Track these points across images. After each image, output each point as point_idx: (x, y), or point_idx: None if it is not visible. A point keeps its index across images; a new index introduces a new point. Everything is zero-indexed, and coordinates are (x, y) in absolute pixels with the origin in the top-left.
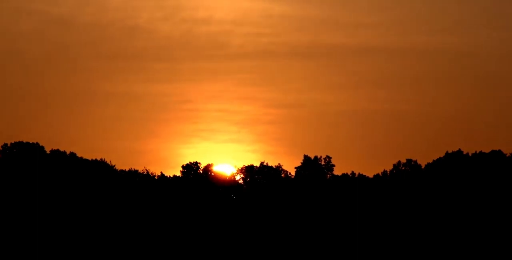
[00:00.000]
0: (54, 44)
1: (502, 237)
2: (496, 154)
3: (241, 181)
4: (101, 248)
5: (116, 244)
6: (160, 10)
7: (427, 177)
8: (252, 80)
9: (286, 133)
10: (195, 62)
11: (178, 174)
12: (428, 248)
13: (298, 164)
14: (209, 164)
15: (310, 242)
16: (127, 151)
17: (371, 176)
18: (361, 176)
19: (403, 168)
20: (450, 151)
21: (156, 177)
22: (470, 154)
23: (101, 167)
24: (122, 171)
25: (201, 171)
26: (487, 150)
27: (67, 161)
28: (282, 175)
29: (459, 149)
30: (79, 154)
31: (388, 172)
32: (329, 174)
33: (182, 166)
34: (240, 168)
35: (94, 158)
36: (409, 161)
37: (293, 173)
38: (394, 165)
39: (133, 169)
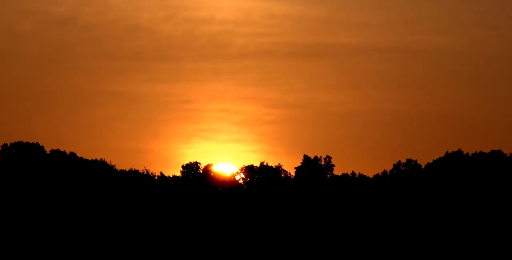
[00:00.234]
0: (54, 44)
1: (502, 237)
2: (496, 154)
3: (241, 181)
4: (101, 248)
5: (116, 244)
6: (161, 10)
7: (427, 177)
8: (254, 80)
9: (287, 133)
10: (196, 62)
11: (178, 174)
12: (428, 248)
13: (298, 164)
14: (209, 164)
15: (310, 242)
16: (127, 151)
17: (371, 176)
18: (361, 176)
19: (403, 168)
20: (450, 151)
21: (156, 177)
22: (470, 154)
23: (101, 167)
24: (122, 171)
25: (201, 171)
26: (487, 150)
27: (67, 161)
28: (282, 175)
29: (459, 149)
30: (79, 154)
31: (388, 172)
32: (329, 174)
33: (182, 166)
34: (240, 168)
35: (94, 158)
36: (409, 161)
37: (293, 173)
38: (394, 165)
39: (133, 169)
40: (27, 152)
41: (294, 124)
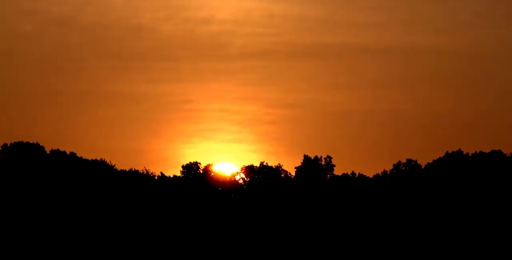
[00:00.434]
0: (55, 44)
1: (502, 237)
2: (496, 154)
3: (241, 181)
4: (101, 248)
5: (116, 244)
6: (162, 10)
7: (427, 177)
8: (254, 80)
9: (287, 133)
10: (197, 62)
11: (179, 174)
12: (428, 248)
13: (298, 164)
14: (209, 164)
15: (310, 242)
16: (128, 151)
17: (371, 176)
18: (361, 176)
19: (403, 168)
20: (450, 151)
21: (156, 177)
22: (470, 154)
23: (101, 167)
24: (122, 171)
25: (201, 171)
26: (487, 150)
27: (67, 161)
28: (282, 175)
29: (459, 149)
30: (79, 154)
31: (388, 172)
32: (329, 174)
33: (182, 166)
34: (240, 168)
35: (94, 158)
36: (409, 161)
37: (293, 173)
38: (394, 165)
39: (133, 169)
40: (27, 152)
41: (294, 124)
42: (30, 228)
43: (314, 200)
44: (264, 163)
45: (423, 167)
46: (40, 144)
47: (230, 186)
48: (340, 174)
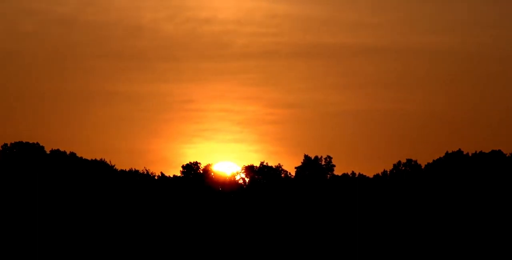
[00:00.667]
0: (56, 44)
1: (502, 237)
2: (496, 154)
3: (241, 181)
4: (101, 248)
5: (116, 244)
6: (163, 9)
7: (427, 177)
8: (255, 80)
9: (288, 133)
10: (198, 62)
11: (179, 174)
12: (428, 248)
13: (299, 164)
14: (209, 164)
15: (310, 242)
16: (128, 151)
17: (371, 176)
18: (361, 176)
19: (403, 168)
20: (450, 151)
21: (156, 177)
22: (470, 154)
23: (101, 167)
24: (122, 171)
25: (201, 171)
26: (487, 150)
27: (67, 161)
28: (282, 175)
29: (459, 149)
30: (79, 154)
31: (388, 172)
32: (329, 174)
33: (182, 166)
34: (240, 168)
35: (94, 158)
36: (409, 161)
37: (293, 173)
38: (394, 165)
39: (133, 169)
40: (27, 152)
41: (295, 124)
42: (30, 228)
43: (314, 200)
44: (264, 163)
45: (423, 167)
46: (40, 144)
47: (230, 186)
48: (340, 174)
